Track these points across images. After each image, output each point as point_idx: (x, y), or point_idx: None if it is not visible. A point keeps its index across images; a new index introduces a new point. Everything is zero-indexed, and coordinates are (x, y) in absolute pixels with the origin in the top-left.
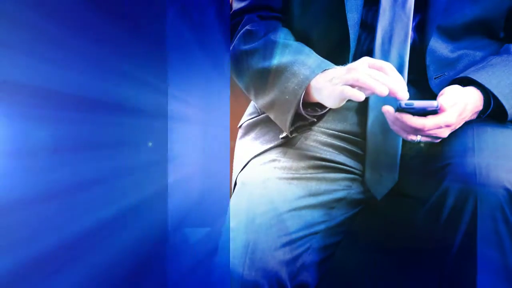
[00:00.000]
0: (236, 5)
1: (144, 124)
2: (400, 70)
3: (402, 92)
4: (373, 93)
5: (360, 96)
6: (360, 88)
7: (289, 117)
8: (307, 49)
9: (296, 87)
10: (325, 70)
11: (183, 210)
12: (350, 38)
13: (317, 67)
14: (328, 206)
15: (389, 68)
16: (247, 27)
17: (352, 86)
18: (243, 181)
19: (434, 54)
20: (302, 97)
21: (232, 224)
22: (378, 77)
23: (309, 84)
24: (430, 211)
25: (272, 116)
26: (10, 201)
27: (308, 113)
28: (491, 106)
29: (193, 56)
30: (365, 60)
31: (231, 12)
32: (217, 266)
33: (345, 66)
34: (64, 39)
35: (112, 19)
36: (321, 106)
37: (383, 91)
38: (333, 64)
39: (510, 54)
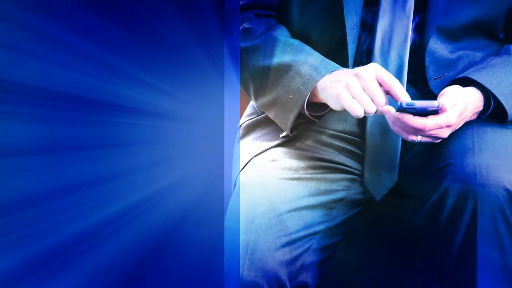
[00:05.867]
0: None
1: (142, 124)
2: (399, 70)
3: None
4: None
5: (356, 112)
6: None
7: (292, 116)
8: (307, 48)
9: (301, 87)
10: (332, 71)
11: (181, 211)
12: (348, 40)
13: (323, 68)
14: (328, 206)
15: (398, 87)
16: (245, 25)
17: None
18: (243, 181)
19: (434, 54)
20: (307, 97)
21: (232, 224)
22: (367, 100)
23: (315, 85)
24: (430, 211)
25: (271, 115)
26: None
27: (310, 113)
28: (491, 106)
29: (188, 54)
30: (373, 69)
31: (227, 9)
32: (214, 266)
33: (352, 70)
34: (62, 37)
35: (106, 17)
36: (322, 107)
37: (359, 114)
38: (337, 65)
39: (510, 55)
